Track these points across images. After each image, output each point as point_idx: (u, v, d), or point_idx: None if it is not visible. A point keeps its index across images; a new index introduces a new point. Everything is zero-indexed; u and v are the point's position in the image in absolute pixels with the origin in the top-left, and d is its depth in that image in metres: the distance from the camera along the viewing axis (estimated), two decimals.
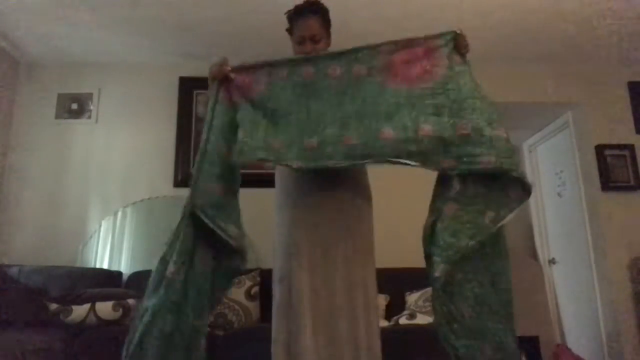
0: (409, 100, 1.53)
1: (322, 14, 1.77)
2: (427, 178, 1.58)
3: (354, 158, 1.48)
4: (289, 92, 1.58)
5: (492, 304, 1.47)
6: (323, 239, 1.60)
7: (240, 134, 1.52)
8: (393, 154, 1.48)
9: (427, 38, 1.59)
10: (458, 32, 1.59)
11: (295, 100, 1.57)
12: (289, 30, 1.81)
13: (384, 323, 2.59)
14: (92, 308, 2.37)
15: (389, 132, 1.48)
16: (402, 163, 1.51)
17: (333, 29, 1.82)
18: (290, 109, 1.56)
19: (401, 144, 1.47)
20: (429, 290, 2.71)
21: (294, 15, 1.76)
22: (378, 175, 1.84)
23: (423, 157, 1.47)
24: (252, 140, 1.51)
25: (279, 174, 1.75)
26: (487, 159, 1.44)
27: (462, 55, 1.59)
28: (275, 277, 1.63)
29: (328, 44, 1.80)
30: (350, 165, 1.54)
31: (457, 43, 1.58)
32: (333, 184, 1.65)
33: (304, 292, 1.54)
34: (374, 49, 1.59)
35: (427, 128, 1.47)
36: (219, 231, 1.49)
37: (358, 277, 1.59)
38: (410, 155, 1.47)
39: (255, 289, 2.80)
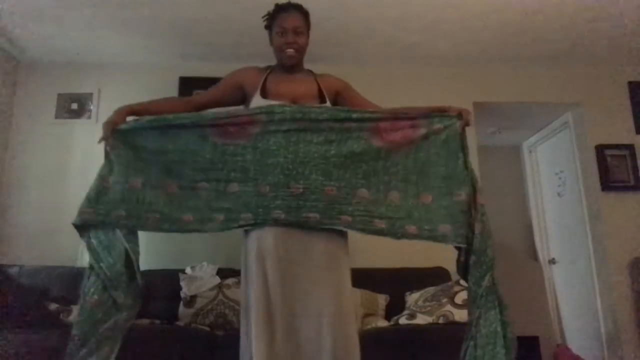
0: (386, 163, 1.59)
1: (305, 13, 1.80)
2: None
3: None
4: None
5: None
6: (289, 243, 1.60)
7: None
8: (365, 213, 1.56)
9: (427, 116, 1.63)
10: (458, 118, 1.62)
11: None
12: (268, 27, 1.81)
13: (384, 323, 2.59)
14: None
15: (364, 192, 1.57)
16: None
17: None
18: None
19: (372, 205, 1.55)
20: (429, 290, 2.71)
21: (277, 10, 1.78)
22: None
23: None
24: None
25: None
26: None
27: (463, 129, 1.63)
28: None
29: (307, 43, 1.81)
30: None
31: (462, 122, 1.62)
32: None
33: (274, 295, 1.57)
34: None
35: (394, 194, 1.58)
36: None
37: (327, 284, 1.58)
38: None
39: None
